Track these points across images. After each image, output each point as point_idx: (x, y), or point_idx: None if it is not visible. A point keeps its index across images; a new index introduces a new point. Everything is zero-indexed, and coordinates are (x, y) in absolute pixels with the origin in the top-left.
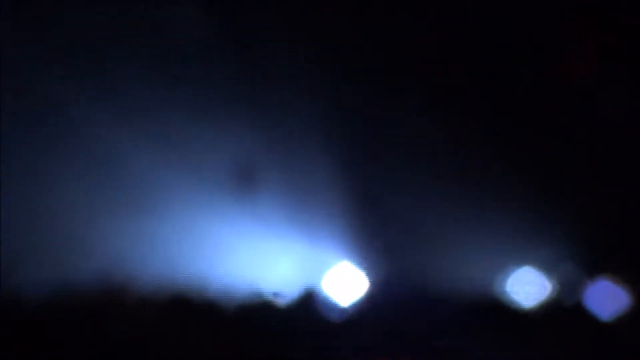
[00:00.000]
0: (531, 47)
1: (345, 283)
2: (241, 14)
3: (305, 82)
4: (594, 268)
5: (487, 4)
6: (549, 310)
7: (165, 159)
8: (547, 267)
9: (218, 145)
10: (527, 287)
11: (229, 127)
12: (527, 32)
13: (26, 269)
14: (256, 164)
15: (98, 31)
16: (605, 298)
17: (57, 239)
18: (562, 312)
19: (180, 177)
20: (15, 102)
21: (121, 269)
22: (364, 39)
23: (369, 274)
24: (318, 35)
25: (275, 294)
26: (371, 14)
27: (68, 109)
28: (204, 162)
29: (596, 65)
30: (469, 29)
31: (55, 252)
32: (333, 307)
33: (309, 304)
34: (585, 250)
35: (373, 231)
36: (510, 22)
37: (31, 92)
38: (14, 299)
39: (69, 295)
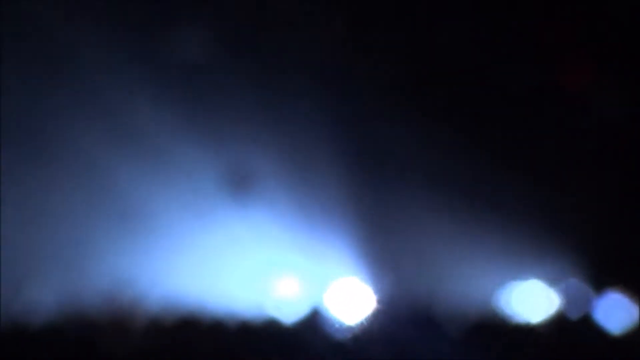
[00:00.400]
0: (540, 57)
1: (350, 299)
2: (243, 20)
3: (312, 92)
4: (602, 280)
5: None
6: (556, 325)
7: (167, 178)
8: (553, 280)
9: (222, 162)
10: (534, 301)
11: (233, 143)
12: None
13: (30, 288)
14: (261, 180)
15: (91, 40)
16: (615, 311)
17: (61, 259)
18: (569, 326)
19: (183, 195)
20: (18, 120)
21: (124, 288)
22: (373, 46)
23: (374, 290)
24: (325, 42)
25: (278, 308)
26: (377, 23)
27: (72, 126)
28: (208, 178)
29: (599, 75)
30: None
31: (59, 272)
32: (338, 324)
33: (314, 321)
34: (593, 262)
35: (379, 246)
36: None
37: (32, 107)
38: (19, 320)
39: (73, 316)
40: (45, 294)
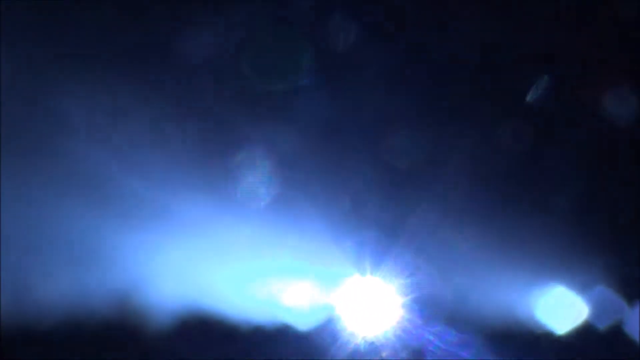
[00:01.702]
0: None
1: (367, 303)
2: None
3: (326, 95)
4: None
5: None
6: (584, 336)
7: (180, 182)
8: (582, 289)
9: (236, 165)
10: (561, 310)
11: (247, 147)
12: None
13: (41, 290)
14: (275, 184)
15: (99, 34)
16: None
17: (73, 260)
18: (598, 337)
19: (197, 199)
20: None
21: (136, 292)
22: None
23: (392, 293)
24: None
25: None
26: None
27: (82, 125)
28: (222, 182)
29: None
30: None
31: (71, 273)
32: (353, 328)
33: (329, 326)
34: (623, 270)
35: (399, 250)
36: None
37: (37, 105)
38: (30, 321)
39: (84, 318)
40: (56, 295)
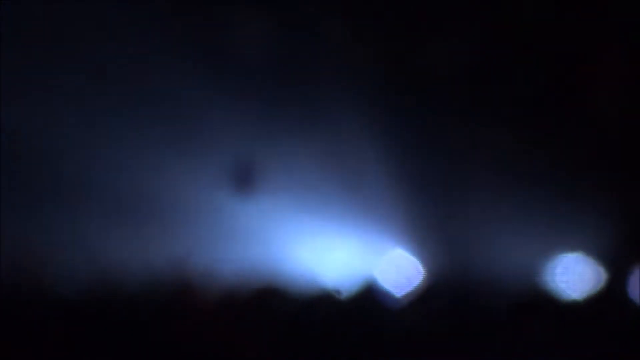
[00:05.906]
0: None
1: (399, 271)
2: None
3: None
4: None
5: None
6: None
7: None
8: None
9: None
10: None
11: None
12: None
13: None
14: (309, 156)
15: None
16: None
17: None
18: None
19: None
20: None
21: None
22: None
23: (422, 263)
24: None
25: (337, 290)
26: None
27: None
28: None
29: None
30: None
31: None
32: (388, 295)
33: (367, 293)
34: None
35: (427, 221)
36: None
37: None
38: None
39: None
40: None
